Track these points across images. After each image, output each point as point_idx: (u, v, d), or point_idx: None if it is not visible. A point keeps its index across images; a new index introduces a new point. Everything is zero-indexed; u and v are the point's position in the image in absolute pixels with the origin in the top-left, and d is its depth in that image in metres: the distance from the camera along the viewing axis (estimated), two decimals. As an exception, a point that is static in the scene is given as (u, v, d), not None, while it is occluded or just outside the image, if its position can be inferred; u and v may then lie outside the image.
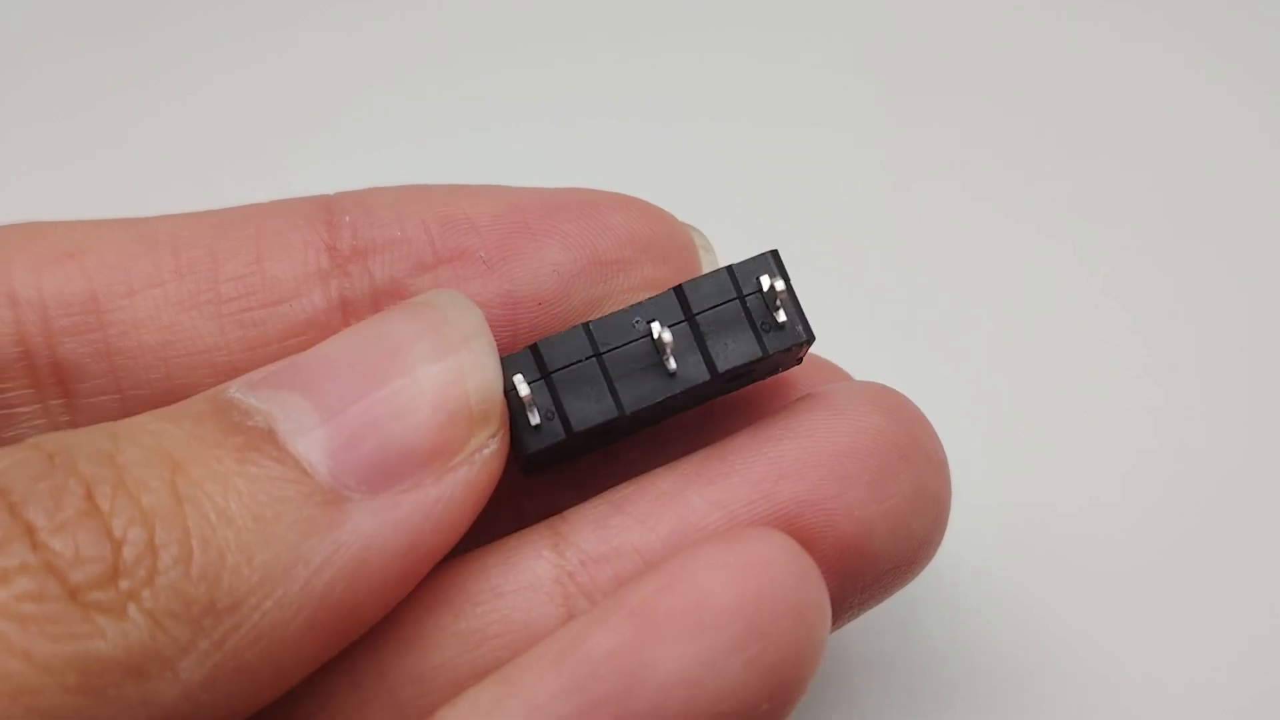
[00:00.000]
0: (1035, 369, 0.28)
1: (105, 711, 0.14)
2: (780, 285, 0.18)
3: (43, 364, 0.19)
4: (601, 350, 0.18)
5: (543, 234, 0.19)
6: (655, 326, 0.18)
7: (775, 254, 0.19)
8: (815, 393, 0.19)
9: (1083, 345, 0.28)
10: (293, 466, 0.16)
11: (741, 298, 0.19)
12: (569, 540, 0.18)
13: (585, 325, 0.18)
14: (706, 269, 0.20)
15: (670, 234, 0.20)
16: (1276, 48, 0.31)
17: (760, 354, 0.18)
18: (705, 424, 0.20)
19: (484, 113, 0.31)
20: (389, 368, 0.17)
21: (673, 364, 0.18)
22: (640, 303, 0.18)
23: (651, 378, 0.18)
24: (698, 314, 0.18)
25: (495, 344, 0.18)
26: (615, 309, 0.19)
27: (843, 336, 0.24)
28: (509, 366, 0.18)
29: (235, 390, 0.17)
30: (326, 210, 0.20)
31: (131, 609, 0.15)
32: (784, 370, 0.20)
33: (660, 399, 0.18)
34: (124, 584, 0.15)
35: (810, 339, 0.19)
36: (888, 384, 0.20)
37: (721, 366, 0.18)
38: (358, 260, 0.19)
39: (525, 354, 0.18)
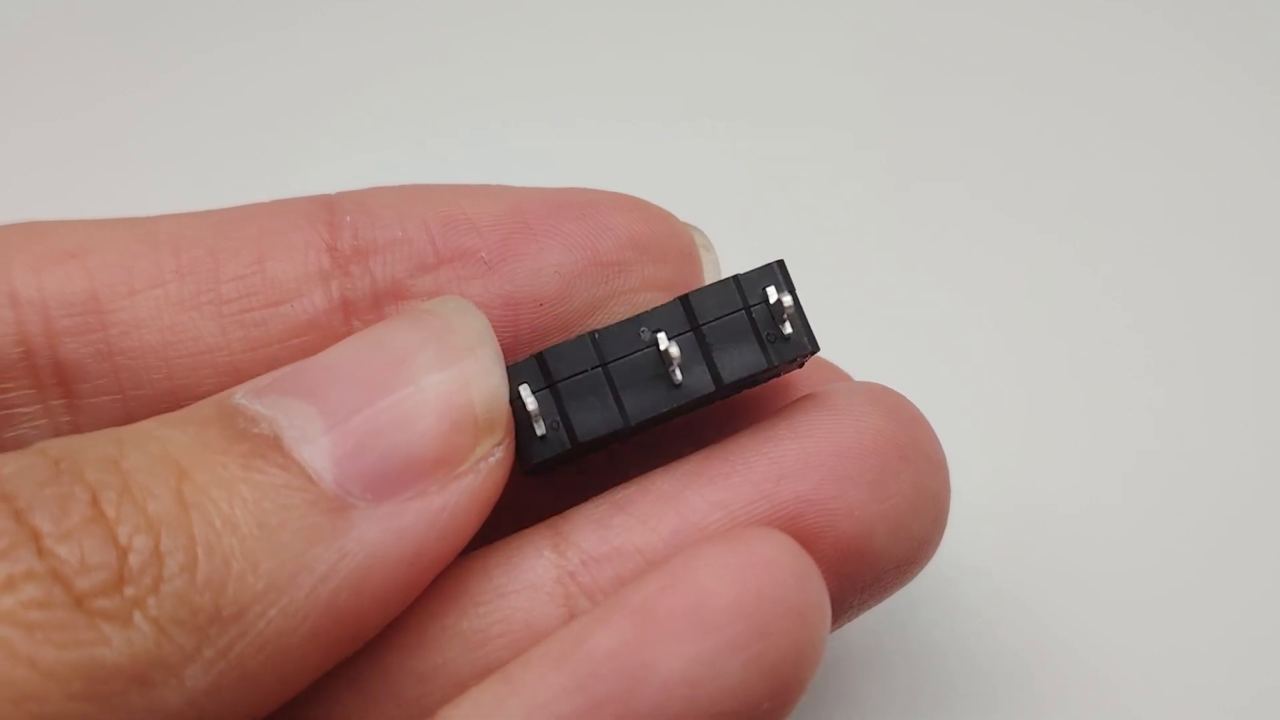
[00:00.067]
0: (1035, 369, 0.28)
1: (110, 719, 0.14)
2: (788, 300, 0.18)
3: (44, 364, 0.19)
4: (607, 360, 0.18)
5: (544, 234, 0.19)
6: (662, 339, 0.18)
7: (781, 264, 0.19)
8: (815, 393, 0.19)
9: (1083, 345, 0.28)
10: (298, 474, 0.16)
11: (747, 308, 0.19)
12: (570, 540, 0.18)
13: (591, 335, 0.18)
14: (707, 268, 0.20)
15: (671, 234, 0.20)
16: (1276, 48, 0.31)
17: (765, 366, 0.18)
18: (706, 423, 0.20)
19: (484, 113, 0.31)
20: (394, 375, 0.17)
21: (679, 376, 0.18)
22: (646, 313, 0.18)
23: (657, 388, 0.18)
24: (703, 325, 0.18)
25: (501, 352, 0.18)
26: (617, 310, 0.19)
27: (843, 336, 0.24)
28: (514, 376, 0.18)
29: (240, 396, 0.17)
30: (328, 210, 0.20)
31: (137, 616, 0.15)
32: (785, 373, 0.20)
33: (665, 410, 0.18)
34: (129, 591, 0.15)
35: (815, 350, 0.19)
36: (888, 384, 0.20)
37: (727, 378, 0.18)
38: (359, 260, 0.19)
39: (530, 363, 0.18)
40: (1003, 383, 0.28)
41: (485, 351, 0.17)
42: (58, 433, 0.19)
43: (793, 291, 0.19)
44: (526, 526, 0.19)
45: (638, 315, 0.18)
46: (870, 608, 0.19)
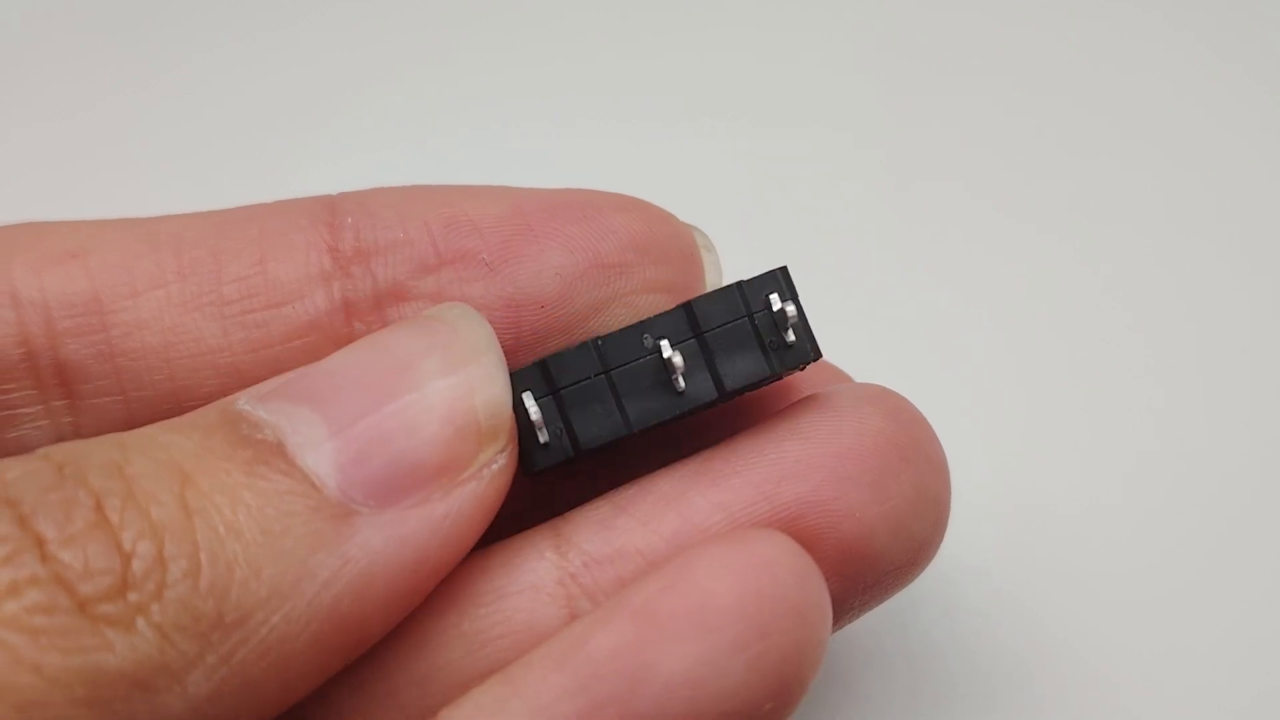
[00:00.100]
0: (1035, 369, 0.28)
1: None
2: (791, 310, 0.18)
3: (45, 365, 0.18)
4: (610, 367, 0.18)
5: (545, 236, 0.19)
6: (666, 347, 0.18)
7: (784, 271, 0.19)
8: (816, 394, 0.19)
9: (1083, 345, 0.28)
10: (301, 480, 0.16)
11: (750, 315, 0.18)
12: (571, 541, 0.18)
13: (595, 342, 0.18)
14: (709, 269, 0.20)
15: (672, 235, 0.20)
16: (1276, 48, 0.31)
17: (768, 374, 0.18)
18: (707, 424, 0.20)
19: (484, 113, 0.31)
20: (398, 382, 0.17)
21: (681, 383, 0.18)
22: (649, 319, 0.18)
23: (659, 395, 0.18)
24: (706, 332, 0.18)
25: (504, 359, 0.18)
26: (618, 312, 0.19)
27: (843, 336, 0.24)
28: (518, 383, 0.18)
29: (244, 402, 0.17)
30: (329, 211, 0.19)
31: (140, 622, 0.15)
32: (787, 376, 0.20)
33: (668, 417, 0.18)
34: (133, 597, 0.15)
35: (818, 357, 0.19)
36: (888, 384, 0.20)
37: (729, 385, 0.18)
38: (360, 262, 0.19)
39: (534, 370, 0.18)
40: (1003, 383, 0.28)
41: (489, 358, 0.17)
42: (59, 433, 0.19)
43: (796, 299, 0.19)
44: (527, 527, 0.19)
45: (641, 322, 0.18)
46: (871, 608, 0.19)
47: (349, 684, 0.17)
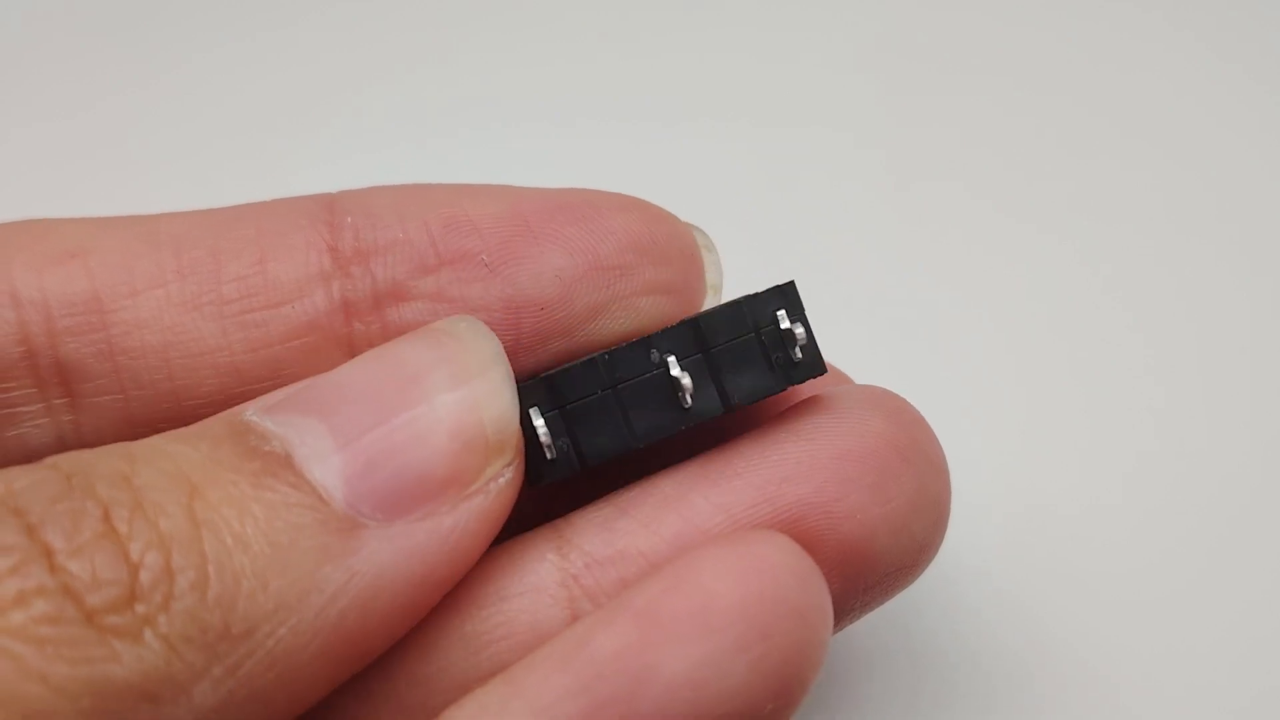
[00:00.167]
0: (1035, 369, 0.28)
1: None
2: (800, 331, 0.18)
3: (46, 364, 0.18)
4: (617, 383, 0.18)
5: (544, 237, 0.19)
6: (674, 365, 0.18)
7: (793, 287, 0.19)
8: (817, 396, 0.19)
9: (1083, 345, 0.28)
10: (309, 492, 0.16)
11: (758, 331, 0.18)
12: (573, 543, 0.18)
13: (602, 357, 0.18)
14: (709, 268, 0.20)
15: (672, 235, 0.20)
16: (1276, 48, 0.31)
17: (774, 390, 0.18)
18: (707, 427, 0.20)
19: (484, 113, 0.31)
20: (406, 395, 0.17)
21: (689, 400, 0.18)
22: (657, 334, 0.18)
23: (665, 410, 0.18)
24: (713, 349, 0.18)
25: (512, 373, 0.18)
26: (619, 315, 0.19)
27: (843, 336, 0.24)
28: (524, 397, 0.18)
29: (252, 413, 0.17)
30: (329, 210, 0.19)
31: (147, 633, 0.14)
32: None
33: (673, 431, 0.18)
34: (140, 608, 0.15)
35: (823, 372, 0.19)
36: (888, 385, 0.20)
37: (735, 401, 0.18)
38: (359, 262, 0.19)
39: (541, 385, 0.18)
40: (1003, 383, 0.28)
41: (497, 372, 0.17)
42: (59, 432, 0.19)
43: (804, 318, 0.19)
44: (529, 529, 0.19)
45: (648, 337, 0.18)
46: (872, 609, 0.20)
47: (351, 685, 0.17)
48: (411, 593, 0.16)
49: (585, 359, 0.18)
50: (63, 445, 0.19)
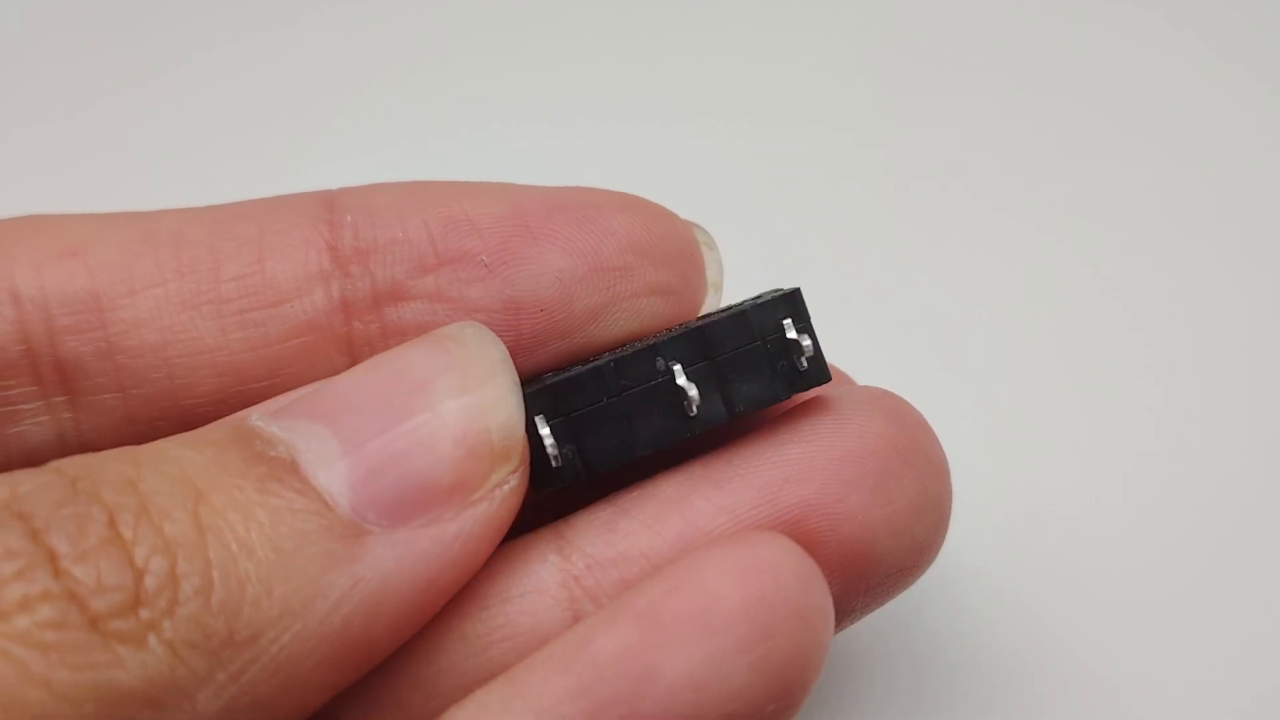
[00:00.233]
0: (1035, 369, 0.28)
1: None
2: (807, 343, 0.18)
3: (45, 362, 0.18)
4: (623, 390, 0.18)
5: (544, 238, 0.19)
6: (680, 376, 0.18)
7: (799, 295, 0.19)
8: (818, 397, 0.19)
9: (1083, 345, 0.28)
10: (314, 498, 0.16)
11: (764, 340, 0.18)
12: (575, 545, 0.18)
13: (608, 365, 0.18)
14: (710, 266, 0.20)
15: (672, 234, 0.20)
16: (1276, 48, 0.31)
17: (779, 398, 0.18)
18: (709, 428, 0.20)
19: (484, 113, 0.31)
20: (412, 401, 0.17)
21: (694, 409, 0.18)
22: (663, 342, 0.18)
23: (671, 418, 0.18)
24: (719, 357, 0.18)
25: (519, 380, 0.18)
26: (619, 318, 0.19)
27: (843, 336, 0.24)
28: (530, 405, 0.18)
29: (257, 418, 0.17)
30: (328, 208, 0.19)
31: (151, 639, 0.14)
32: None
33: (679, 439, 0.18)
34: (145, 614, 0.14)
35: (828, 380, 0.19)
36: (888, 385, 0.20)
37: (741, 409, 0.18)
38: (359, 261, 0.19)
39: (547, 393, 0.18)
40: (1003, 383, 0.28)
41: (503, 379, 0.17)
42: (60, 429, 0.19)
43: (810, 328, 0.19)
44: (530, 530, 0.19)
45: (654, 344, 0.18)
46: (873, 610, 0.20)
47: (352, 687, 0.17)
48: (416, 599, 0.16)
49: (591, 367, 0.18)
50: (63, 443, 0.19)
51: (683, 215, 0.21)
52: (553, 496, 0.19)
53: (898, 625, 0.25)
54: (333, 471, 0.16)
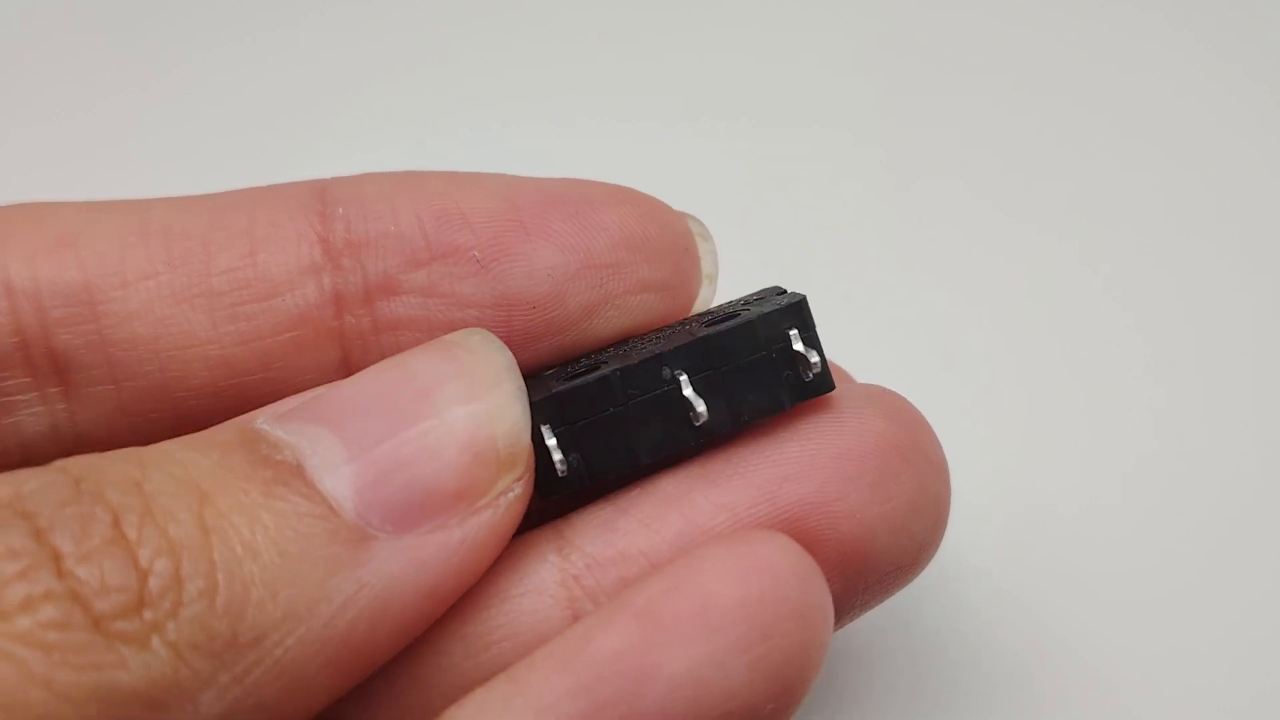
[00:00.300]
0: (1035, 369, 0.28)
1: None
2: (815, 360, 0.18)
3: (39, 354, 0.18)
4: (628, 400, 0.18)
5: (537, 233, 0.19)
6: (686, 387, 0.18)
7: (805, 305, 0.19)
8: (817, 394, 0.19)
9: (1083, 345, 0.28)
10: (320, 502, 0.16)
11: (769, 350, 0.18)
12: (574, 544, 0.18)
13: (615, 374, 0.18)
14: (704, 257, 0.20)
15: (666, 228, 0.20)
16: (1276, 48, 0.31)
17: (784, 407, 0.18)
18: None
19: (484, 113, 0.31)
20: (418, 407, 0.17)
21: (699, 419, 0.18)
22: (668, 352, 0.18)
23: (676, 427, 0.18)
24: (725, 368, 0.18)
25: (525, 387, 0.18)
26: (612, 316, 0.19)
27: (843, 336, 0.24)
28: (536, 413, 0.18)
29: (263, 422, 0.17)
30: (320, 199, 0.19)
31: (155, 640, 0.14)
32: None
33: (684, 448, 0.18)
34: (148, 615, 0.14)
35: (832, 389, 0.19)
36: (887, 384, 0.20)
37: (746, 419, 0.18)
38: (351, 254, 0.19)
39: (552, 401, 0.18)
40: (1003, 383, 0.28)
41: (509, 386, 0.17)
42: (55, 420, 0.19)
43: (816, 337, 0.19)
44: (530, 530, 0.19)
45: (659, 354, 0.18)
46: (871, 608, 0.19)
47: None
48: (420, 604, 0.16)
49: (598, 377, 0.18)
50: (57, 434, 0.19)
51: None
52: (555, 499, 0.19)
53: (898, 625, 0.25)
54: (338, 476, 0.16)
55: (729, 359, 0.18)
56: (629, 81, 0.31)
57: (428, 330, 0.19)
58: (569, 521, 0.18)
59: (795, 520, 0.18)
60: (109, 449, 0.16)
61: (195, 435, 0.17)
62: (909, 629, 0.25)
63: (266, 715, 0.15)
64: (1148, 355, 0.28)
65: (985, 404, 0.28)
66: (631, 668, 0.16)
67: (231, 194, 0.20)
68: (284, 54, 0.32)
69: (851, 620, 0.19)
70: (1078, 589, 0.26)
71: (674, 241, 0.20)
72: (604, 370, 0.18)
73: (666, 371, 0.18)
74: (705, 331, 0.18)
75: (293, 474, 0.16)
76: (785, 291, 0.20)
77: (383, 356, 0.19)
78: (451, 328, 0.19)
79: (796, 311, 0.19)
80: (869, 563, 0.18)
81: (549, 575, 0.18)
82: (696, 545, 0.17)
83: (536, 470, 0.18)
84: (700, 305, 0.20)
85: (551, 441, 0.18)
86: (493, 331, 0.19)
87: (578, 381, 0.18)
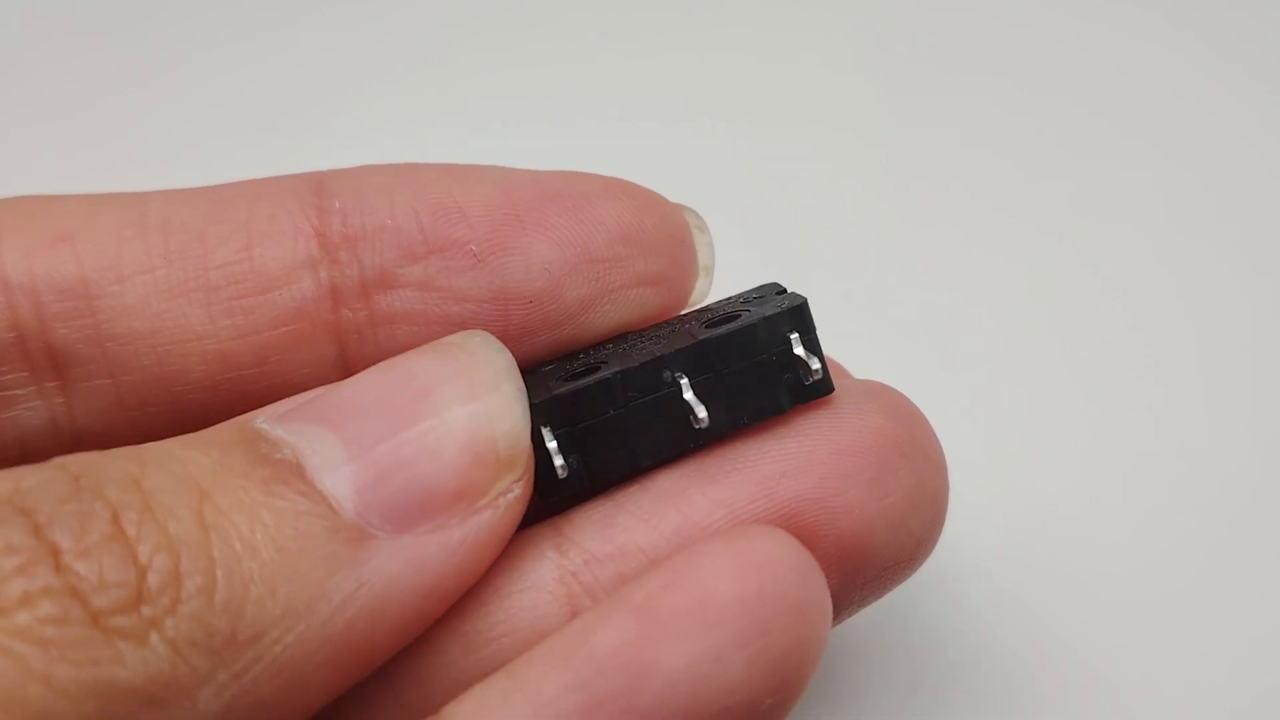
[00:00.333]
0: (1035, 369, 0.28)
1: None
2: (816, 365, 0.18)
3: (36, 348, 0.18)
4: (628, 403, 0.18)
5: (534, 227, 0.19)
6: (687, 391, 0.18)
7: (806, 308, 0.19)
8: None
9: (1083, 345, 0.28)
10: (319, 501, 0.16)
11: (770, 354, 0.18)
12: (572, 539, 0.18)
13: (615, 376, 0.18)
14: (701, 249, 0.20)
15: (663, 221, 0.20)
16: (1276, 48, 0.31)
17: (783, 409, 0.18)
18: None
19: (484, 112, 0.31)
20: (418, 408, 0.17)
21: (700, 422, 0.18)
22: (669, 355, 0.18)
23: (677, 429, 0.18)
24: (726, 371, 0.18)
25: (525, 389, 0.18)
26: (608, 310, 0.19)
27: (843, 336, 0.24)
28: (536, 415, 0.18)
29: (263, 421, 0.17)
30: (317, 192, 0.19)
31: (153, 637, 0.14)
32: None
33: (683, 450, 0.18)
34: (147, 611, 0.14)
35: (831, 391, 0.19)
36: (887, 384, 0.20)
37: (746, 421, 0.18)
38: (347, 247, 0.19)
39: (553, 403, 0.18)
40: (1003, 383, 0.28)
41: (509, 387, 0.17)
42: (53, 414, 0.19)
43: (816, 341, 0.19)
44: (528, 526, 0.19)
45: (660, 357, 0.18)
46: (869, 604, 0.19)
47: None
48: (419, 604, 0.16)
49: (599, 379, 0.18)
50: (55, 428, 0.19)
51: (677, 205, 0.21)
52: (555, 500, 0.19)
53: (896, 623, 0.25)
54: (338, 476, 0.16)
55: (729, 362, 0.18)
56: (629, 81, 0.31)
57: (424, 324, 0.19)
58: (567, 518, 0.18)
59: (793, 516, 0.18)
60: (106, 443, 0.16)
61: (195, 434, 0.17)
62: (908, 627, 0.25)
63: (265, 713, 0.15)
64: (1148, 355, 0.28)
65: (985, 404, 0.27)
66: (630, 663, 0.16)
67: (228, 186, 0.20)
68: (283, 54, 0.32)
69: (850, 615, 0.19)
70: (1078, 589, 0.26)
71: (671, 234, 0.20)
72: (605, 372, 0.18)
73: (667, 374, 0.18)
74: (706, 334, 0.18)
75: (292, 473, 0.16)
76: (784, 289, 0.20)
77: (379, 350, 0.19)
78: (448, 321, 0.19)
79: (798, 315, 0.19)
80: (867, 558, 0.18)
81: (547, 571, 0.18)
82: (695, 541, 0.17)
83: (536, 471, 0.18)
84: (696, 297, 0.20)
85: (552, 444, 0.18)
86: (489, 325, 0.19)
87: (578, 384, 0.18)
